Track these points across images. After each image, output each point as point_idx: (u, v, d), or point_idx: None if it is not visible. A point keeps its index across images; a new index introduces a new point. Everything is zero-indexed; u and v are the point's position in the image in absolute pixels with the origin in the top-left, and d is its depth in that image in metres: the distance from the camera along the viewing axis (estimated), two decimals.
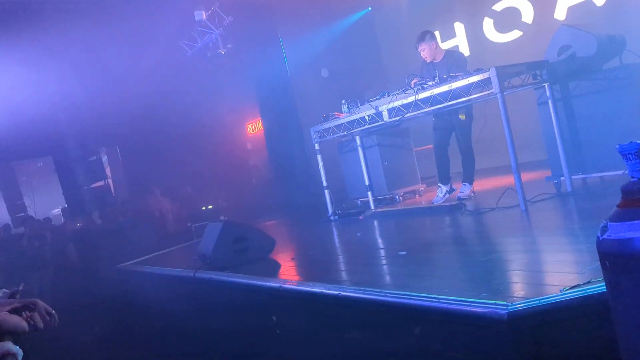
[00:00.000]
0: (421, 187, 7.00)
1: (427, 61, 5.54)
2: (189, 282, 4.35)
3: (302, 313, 3.19)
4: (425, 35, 5.46)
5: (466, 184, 5.61)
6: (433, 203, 5.55)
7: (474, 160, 5.64)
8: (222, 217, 7.47)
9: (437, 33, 8.73)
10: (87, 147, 8.70)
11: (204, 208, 8.27)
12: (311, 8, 9.07)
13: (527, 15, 7.60)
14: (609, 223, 1.52)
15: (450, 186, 5.68)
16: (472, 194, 5.57)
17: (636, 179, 1.51)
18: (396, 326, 2.52)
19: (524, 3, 7.59)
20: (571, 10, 6.96)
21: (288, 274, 3.78)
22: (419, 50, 5.53)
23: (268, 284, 3.46)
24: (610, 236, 1.49)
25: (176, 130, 9.66)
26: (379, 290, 2.65)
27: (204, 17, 8.17)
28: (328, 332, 2.98)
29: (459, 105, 5.15)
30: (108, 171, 7.77)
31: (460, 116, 5.47)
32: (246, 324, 3.63)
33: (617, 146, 1.53)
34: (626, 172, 3.88)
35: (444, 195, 5.62)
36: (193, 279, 4.27)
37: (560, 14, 7.09)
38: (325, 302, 2.95)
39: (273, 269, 4.04)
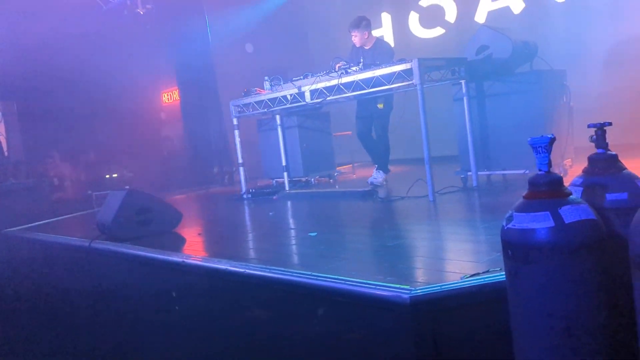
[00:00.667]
0: (336, 172, 7.04)
1: (357, 46, 5.57)
2: (83, 252, 4.04)
3: (205, 290, 3.06)
4: (361, 22, 5.57)
5: (380, 171, 5.71)
6: (369, 182, 5.55)
7: (388, 149, 5.77)
8: (126, 187, 7.08)
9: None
10: None
11: (107, 176, 7.78)
12: None
13: (451, 14, 7.83)
14: (514, 213, 1.55)
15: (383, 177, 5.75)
16: (384, 182, 5.68)
17: (543, 172, 1.55)
18: (300, 306, 2.48)
19: (449, 2, 7.81)
20: (491, 14, 7.26)
21: (193, 250, 3.63)
22: (351, 34, 5.55)
23: (170, 257, 3.29)
24: (515, 226, 1.52)
25: (83, 91, 8.96)
26: (284, 269, 2.59)
27: None
28: (230, 310, 2.88)
29: (379, 94, 5.23)
30: (1, 128, 7.06)
31: (378, 105, 5.57)
32: (144, 299, 3.45)
33: (529, 139, 1.56)
34: (527, 172, 4.10)
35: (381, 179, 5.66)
36: (88, 248, 3.98)
37: (480, 16, 7.38)
38: (230, 280, 2.85)
39: (177, 244, 3.86)
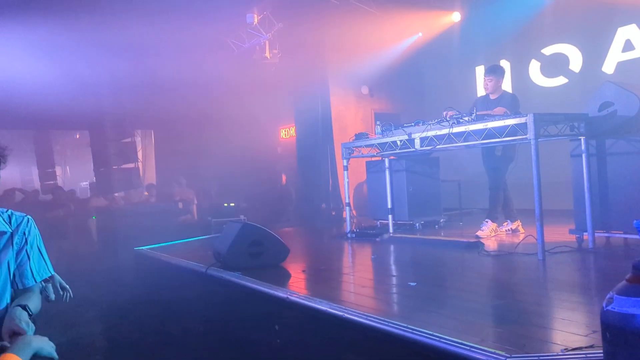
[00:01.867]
0: (442, 218, 6.99)
1: (486, 92, 5.78)
2: (200, 277, 4.44)
3: (305, 327, 3.23)
4: (498, 69, 5.81)
5: (488, 220, 5.64)
6: (475, 236, 5.56)
7: (499, 199, 5.68)
8: (242, 217, 7.59)
9: (481, 67, 8.79)
10: (124, 127, 8.93)
11: (225, 205, 8.39)
12: (362, 29, 9.19)
13: (575, 63, 7.54)
14: (615, 295, 1.53)
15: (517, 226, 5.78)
16: (491, 234, 5.59)
17: None
18: (394, 357, 2.55)
19: (574, 51, 7.54)
20: (620, 65, 6.89)
21: (297, 286, 3.83)
22: (485, 79, 5.73)
23: (276, 292, 3.52)
24: (615, 309, 1.50)
25: (211, 124, 9.86)
26: (381, 318, 2.68)
27: (256, 20, 8.35)
28: (327, 349, 3.01)
29: (493, 144, 5.18)
30: (140, 154, 7.95)
31: (496, 152, 5.56)
32: (249, 328, 3.70)
33: (635, 221, 1.54)
34: None
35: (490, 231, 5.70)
36: (204, 274, 4.36)
37: (609, 67, 7.03)
38: (328, 321, 3.00)
39: (283, 278, 4.10)
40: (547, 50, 7.90)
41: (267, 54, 8.42)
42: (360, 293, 3.61)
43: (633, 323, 1.44)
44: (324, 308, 3.05)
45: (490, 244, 5.07)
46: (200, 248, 6.02)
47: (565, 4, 7.48)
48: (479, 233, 5.61)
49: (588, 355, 2.01)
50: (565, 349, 2.09)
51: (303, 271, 4.45)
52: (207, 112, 9.60)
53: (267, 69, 9.07)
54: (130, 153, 8.19)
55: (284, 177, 10.61)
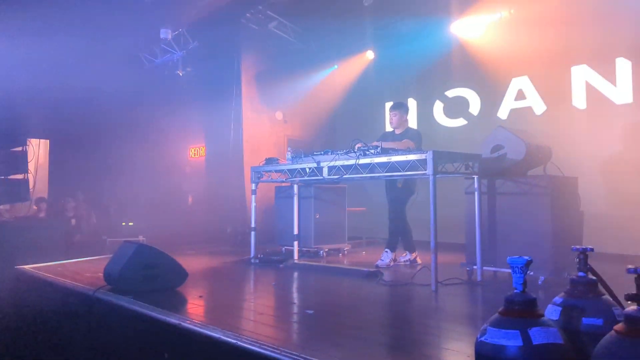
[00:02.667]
0: (346, 246, 7.12)
1: (392, 127, 6.05)
2: (86, 300, 4.15)
3: (197, 356, 3.11)
4: (402, 105, 6.15)
5: (387, 250, 5.85)
6: (377, 266, 5.75)
7: (401, 231, 5.90)
8: (141, 237, 7.25)
9: (390, 104, 9.19)
10: (14, 135, 8.26)
11: (124, 224, 7.98)
12: (280, 57, 9.32)
13: (474, 107, 8.10)
14: (488, 327, 1.62)
15: (415, 257, 5.99)
16: (391, 263, 5.79)
17: (518, 291, 1.63)
18: None
19: (473, 95, 8.11)
20: (513, 112, 7.50)
21: (191, 312, 3.70)
22: (390, 114, 6.05)
23: (168, 318, 3.37)
24: (487, 339, 1.59)
25: (116, 138, 9.42)
26: (275, 347, 2.64)
27: (170, 36, 8.18)
28: None
29: (396, 177, 5.40)
30: (32, 165, 7.38)
31: (398, 184, 5.80)
32: (137, 355, 3.50)
33: (508, 258, 1.66)
34: (532, 273, 4.10)
35: (389, 261, 5.91)
36: (92, 297, 4.09)
37: (503, 113, 7.62)
38: (222, 349, 2.91)
39: (178, 304, 3.94)
40: (450, 93, 8.44)
41: (180, 72, 8.25)
42: (257, 320, 3.55)
43: (504, 353, 1.53)
44: (217, 335, 2.96)
45: (389, 274, 5.22)
46: (90, 269, 5.65)
47: (467, 52, 8.05)
48: (378, 263, 5.79)
49: None
50: None
51: (200, 296, 4.31)
52: (111, 126, 9.17)
53: (179, 86, 8.87)
54: (20, 163, 7.56)
55: (190, 198, 10.32)
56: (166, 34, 8.13)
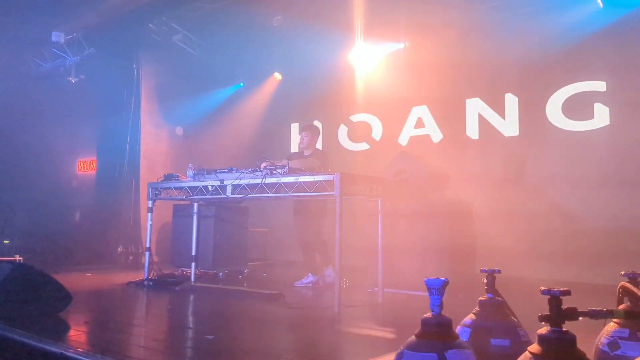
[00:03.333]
0: (246, 269, 6.93)
1: (301, 146, 6.02)
2: None
3: None
4: (313, 127, 6.24)
5: (310, 274, 5.81)
6: (294, 285, 5.77)
7: (326, 250, 5.87)
8: (18, 257, 6.54)
9: (296, 125, 9.23)
10: None
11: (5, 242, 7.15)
12: (183, 71, 9.02)
13: (377, 132, 8.36)
14: (405, 350, 1.58)
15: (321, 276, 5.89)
16: (309, 284, 5.76)
17: (435, 313, 1.61)
18: None
19: (376, 121, 8.38)
20: (412, 139, 7.84)
21: (76, 340, 3.33)
22: (300, 135, 6.05)
23: (48, 347, 2.99)
24: None
25: None
26: None
27: (63, 40, 7.59)
28: None
29: (302, 197, 5.36)
30: None
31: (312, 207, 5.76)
32: None
33: (425, 280, 1.64)
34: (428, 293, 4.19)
35: (307, 282, 5.85)
36: None
37: (403, 139, 7.94)
38: None
39: (60, 330, 3.54)
40: (354, 118, 8.65)
41: (72, 78, 7.66)
42: (150, 347, 3.28)
43: None
44: None
45: (291, 297, 5.11)
46: None
47: (371, 78, 8.33)
48: (297, 283, 5.78)
49: None
50: None
51: (86, 322, 3.91)
52: None
53: (70, 95, 8.23)
54: None
55: (77, 215, 9.53)
56: (58, 37, 7.52)
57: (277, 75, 9.77)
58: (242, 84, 10.21)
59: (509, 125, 6.94)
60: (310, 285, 5.85)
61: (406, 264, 4.88)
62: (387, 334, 3.88)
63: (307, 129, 6.06)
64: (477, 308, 1.90)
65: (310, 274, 5.94)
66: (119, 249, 8.20)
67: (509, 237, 6.45)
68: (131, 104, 8.70)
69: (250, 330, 3.91)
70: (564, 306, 1.40)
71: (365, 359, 3.10)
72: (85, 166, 10.09)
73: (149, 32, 8.50)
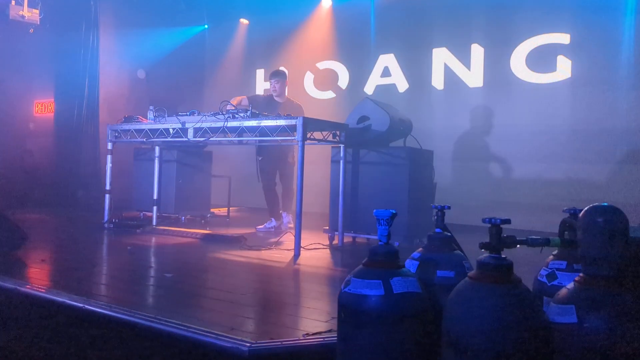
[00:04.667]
0: (209, 213, 6.93)
1: (274, 94, 5.98)
2: None
3: (38, 323, 2.78)
4: (283, 73, 6.17)
5: (272, 219, 5.97)
6: (256, 229, 5.84)
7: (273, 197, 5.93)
8: None
9: (261, 71, 9.07)
10: None
11: None
12: (144, 10, 8.65)
13: (343, 81, 8.30)
14: (352, 278, 1.64)
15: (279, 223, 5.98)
16: (272, 229, 5.87)
17: (382, 243, 1.67)
18: (141, 350, 2.35)
19: (343, 69, 8.30)
20: (378, 88, 7.82)
21: (32, 277, 3.31)
22: (272, 81, 5.98)
23: (2, 283, 2.97)
24: (351, 290, 1.60)
25: None
26: (127, 309, 2.45)
27: None
28: (64, 347, 2.64)
29: (266, 144, 5.34)
30: None
31: (289, 159, 5.83)
32: None
33: (374, 211, 1.68)
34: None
35: (270, 227, 5.91)
36: None
37: (369, 88, 7.91)
38: (67, 315, 2.63)
39: (14, 268, 3.50)
40: (321, 65, 8.54)
41: (25, 12, 7.25)
42: (109, 284, 3.30)
43: (365, 302, 1.55)
44: (61, 299, 2.67)
45: (253, 239, 5.16)
46: None
47: (337, 26, 8.20)
48: (259, 227, 5.88)
49: (326, 339, 2.14)
50: (306, 334, 2.19)
51: (43, 261, 3.88)
52: None
53: (24, 31, 7.82)
54: None
55: (35, 157, 9.26)
56: None
57: (244, 21, 9.49)
58: (206, 26, 9.89)
59: (474, 76, 6.99)
60: (273, 230, 5.91)
61: (366, 210, 4.96)
62: (343, 274, 4.00)
63: (278, 75, 5.97)
64: (425, 242, 1.96)
65: (272, 219, 6.00)
66: (79, 193, 8.05)
67: (470, 185, 6.64)
68: (89, 43, 8.34)
69: (211, 270, 3.97)
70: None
71: (322, 296, 3.20)
72: (42, 108, 9.73)
73: None
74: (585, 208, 1.48)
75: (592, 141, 6.12)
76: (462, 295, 1.44)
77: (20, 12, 7.23)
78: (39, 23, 7.52)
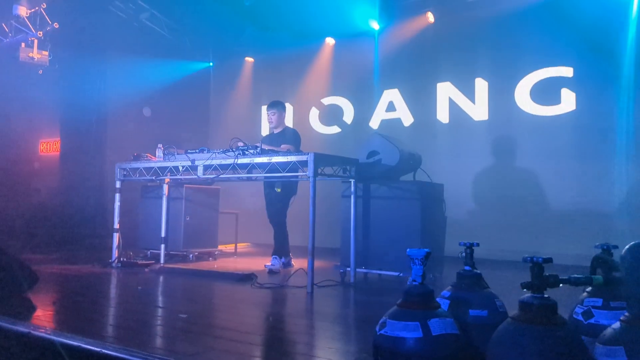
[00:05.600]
0: (217, 250, 6.87)
1: (271, 126, 5.93)
2: None
3: None
4: (279, 103, 6.01)
5: (275, 257, 5.69)
6: (265, 267, 5.60)
7: (285, 234, 5.77)
8: None
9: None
10: None
11: None
12: (151, 50, 8.80)
13: (348, 116, 8.36)
14: (387, 320, 1.59)
15: (289, 260, 5.81)
16: (280, 268, 5.61)
17: (417, 283, 1.63)
18: None
19: (347, 104, 8.38)
20: (384, 122, 7.88)
21: (43, 320, 3.24)
22: (268, 113, 5.88)
23: (15, 327, 2.90)
24: (387, 332, 1.56)
25: None
26: (147, 353, 2.39)
27: (24, 14, 7.27)
28: None
29: (277, 179, 5.31)
30: None
31: (276, 189, 5.66)
32: None
33: (408, 250, 1.65)
34: (400, 274, 4.26)
35: (279, 265, 5.68)
36: None
37: (374, 123, 7.96)
38: (83, 358, 2.56)
39: (27, 311, 3.44)
40: (326, 101, 8.62)
41: (35, 54, 7.35)
42: (121, 326, 3.22)
43: (404, 345, 1.51)
44: (76, 344, 2.60)
45: (263, 278, 5.09)
46: None
47: (342, 62, 8.32)
48: (268, 266, 5.62)
49: None
50: None
51: (53, 303, 3.81)
52: None
53: (32, 72, 7.92)
54: None
55: (40, 197, 9.24)
56: (19, 10, 7.19)
57: (249, 59, 9.64)
58: (211, 64, 10.05)
59: (478, 109, 7.04)
60: (282, 266, 5.81)
61: (378, 245, 4.91)
62: (357, 312, 3.93)
63: (274, 107, 5.91)
64: (454, 281, 1.93)
65: (278, 257, 5.85)
66: (85, 232, 8.00)
67: (479, 218, 6.61)
68: (96, 84, 8.45)
69: (223, 309, 3.90)
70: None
71: (337, 335, 3.13)
72: (48, 147, 9.78)
73: (115, 10, 8.26)
74: (628, 245, 1.45)
75: (597, 170, 6.13)
76: (507, 337, 1.39)
77: (30, 54, 7.33)
78: (48, 64, 7.62)
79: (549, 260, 1.42)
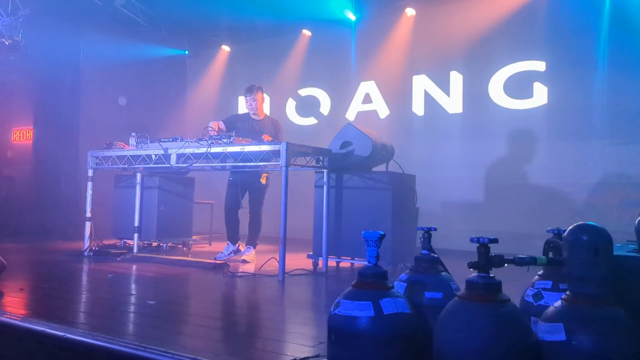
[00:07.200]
0: (191, 240, 6.86)
1: (251, 113, 5.75)
2: None
3: (19, 351, 2.70)
4: (260, 89, 5.79)
5: (250, 247, 5.65)
6: (216, 258, 5.47)
7: (260, 226, 5.73)
8: None
9: (243, 98, 9.10)
10: None
11: None
12: (126, 38, 8.69)
13: (325, 107, 8.39)
14: (341, 300, 1.64)
15: (238, 246, 5.72)
16: (254, 259, 5.58)
17: (371, 264, 1.68)
18: None
19: (324, 96, 8.40)
20: (360, 114, 7.92)
21: (10, 306, 3.21)
22: (248, 99, 5.71)
23: None
24: (341, 312, 1.60)
25: None
26: (111, 337, 2.40)
27: None
28: None
29: (254, 169, 5.26)
30: None
31: (261, 179, 5.60)
32: None
33: (363, 232, 1.69)
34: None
35: (228, 254, 5.62)
36: None
37: (351, 115, 8.00)
38: (49, 343, 2.56)
39: None
40: (303, 92, 8.63)
41: (6, 40, 7.21)
42: (90, 312, 3.23)
43: (355, 324, 1.55)
44: (41, 329, 2.60)
45: (236, 266, 5.11)
46: None
47: (318, 53, 8.33)
48: (244, 257, 5.54)
49: None
50: (293, 359, 2.17)
51: (21, 289, 3.78)
52: None
53: (3, 58, 7.77)
54: None
55: (12, 186, 9.09)
56: None
57: (225, 48, 9.59)
58: (187, 52, 9.99)
59: (453, 102, 7.13)
60: (233, 254, 5.66)
61: (349, 234, 4.96)
62: (328, 299, 3.97)
63: (251, 92, 5.70)
64: (412, 264, 1.98)
65: (229, 243, 5.73)
66: (58, 221, 7.91)
67: (451, 209, 6.71)
68: (70, 71, 8.32)
69: (194, 297, 3.92)
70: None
71: (307, 321, 3.17)
72: (21, 135, 9.63)
73: None
74: (570, 227, 1.52)
75: (567, 164, 6.27)
76: (452, 315, 1.45)
77: (1, 39, 7.18)
78: (19, 50, 7.47)
79: (494, 240, 1.47)
